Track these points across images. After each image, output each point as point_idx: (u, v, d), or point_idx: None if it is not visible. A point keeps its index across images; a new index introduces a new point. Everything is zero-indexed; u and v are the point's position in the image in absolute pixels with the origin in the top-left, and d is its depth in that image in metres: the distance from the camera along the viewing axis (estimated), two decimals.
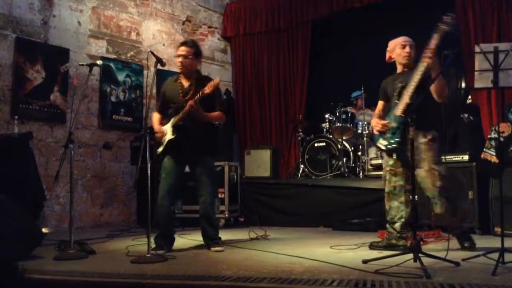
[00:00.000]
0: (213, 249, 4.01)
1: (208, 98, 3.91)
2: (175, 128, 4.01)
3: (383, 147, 3.71)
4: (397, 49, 3.81)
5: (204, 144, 4.08)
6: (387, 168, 3.81)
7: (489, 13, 5.95)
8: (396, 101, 3.63)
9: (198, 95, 3.87)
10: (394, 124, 3.60)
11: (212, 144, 4.17)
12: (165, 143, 4.03)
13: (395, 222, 3.80)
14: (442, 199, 3.64)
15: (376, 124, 3.73)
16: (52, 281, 2.99)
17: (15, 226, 3.61)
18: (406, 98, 3.51)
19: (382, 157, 3.92)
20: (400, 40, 3.83)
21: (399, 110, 3.56)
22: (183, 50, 4.07)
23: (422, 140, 3.64)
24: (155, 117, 4.24)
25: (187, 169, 4.23)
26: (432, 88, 3.54)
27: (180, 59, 4.05)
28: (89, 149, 6.31)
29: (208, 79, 4.12)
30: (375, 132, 3.76)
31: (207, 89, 3.85)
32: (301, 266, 3.20)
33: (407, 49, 3.77)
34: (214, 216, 4.23)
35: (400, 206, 3.76)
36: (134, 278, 2.96)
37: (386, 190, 3.84)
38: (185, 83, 4.13)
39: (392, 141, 3.60)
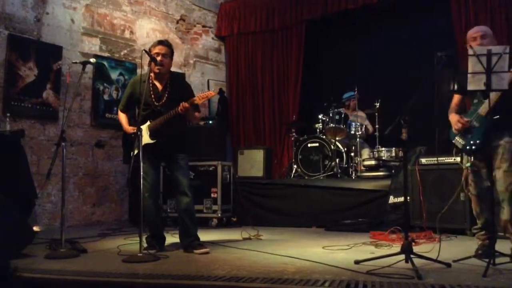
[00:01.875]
0: (197, 251, 3.83)
1: (183, 98, 3.89)
2: (152, 132, 3.98)
3: (460, 146, 3.55)
4: (470, 42, 3.58)
5: (178, 143, 4.06)
6: (468, 170, 3.54)
7: (483, 15, 5.99)
8: (482, 99, 3.43)
9: (187, 103, 3.83)
10: (476, 124, 3.47)
11: (185, 142, 4.15)
12: (141, 145, 3.87)
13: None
14: (510, 205, 3.39)
15: (457, 122, 3.52)
16: (43, 279, 2.97)
17: (6, 224, 3.57)
18: (493, 99, 3.29)
19: (457, 155, 3.67)
20: (471, 33, 3.63)
21: (484, 110, 3.40)
22: (162, 48, 3.97)
23: (507, 139, 3.43)
24: (123, 117, 4.19)
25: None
26: None
27: (160, 57, 3.93)
28: (81, 147, 6.27)
29: (182, 78, 4.07)
30: (454, 130, 3.56)
31: (198, 100, 3.85)
32: (293, 266, 3.20)
33: (478, 41, 3.51)
34: (195, 212, 4.15)
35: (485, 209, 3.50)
36: (126, 278, 2.95)
37: (474, 192, 3.54)
38: (158, 86, 4.04)
39: (472, 142, 3.47)
